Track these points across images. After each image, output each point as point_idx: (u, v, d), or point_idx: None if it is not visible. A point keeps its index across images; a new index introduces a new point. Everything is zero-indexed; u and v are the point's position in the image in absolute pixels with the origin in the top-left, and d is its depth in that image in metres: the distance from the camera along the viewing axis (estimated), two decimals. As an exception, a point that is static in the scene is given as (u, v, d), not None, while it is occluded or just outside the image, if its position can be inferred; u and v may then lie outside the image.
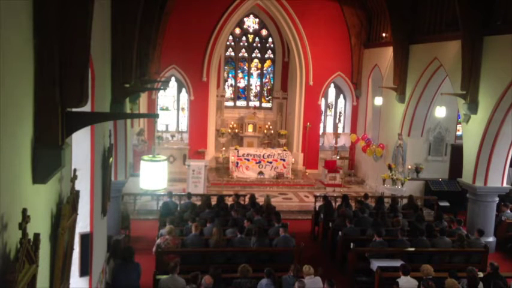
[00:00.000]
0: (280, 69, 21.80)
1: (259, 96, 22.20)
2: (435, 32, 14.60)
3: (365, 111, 19.88)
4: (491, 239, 12.34)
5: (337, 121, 21.26)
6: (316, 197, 14.86)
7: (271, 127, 21.30)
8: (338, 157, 19.48)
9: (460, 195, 14.71)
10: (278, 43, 21.58)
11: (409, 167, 16.31)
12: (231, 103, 21.88)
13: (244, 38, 21.68)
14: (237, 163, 18.27)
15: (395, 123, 16.70)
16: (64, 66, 3.78)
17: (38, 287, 3.51)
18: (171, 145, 19.48)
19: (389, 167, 16.00)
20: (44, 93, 3.66)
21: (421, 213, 12.62)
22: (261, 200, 13.38)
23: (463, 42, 12.14)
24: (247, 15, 21.26)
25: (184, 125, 20.52)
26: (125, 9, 8.19)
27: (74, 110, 4.12)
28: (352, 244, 10.05)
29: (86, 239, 6.42)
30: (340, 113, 21.51)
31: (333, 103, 21.53)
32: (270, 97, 22.16)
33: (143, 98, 17.13)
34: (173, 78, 19.91)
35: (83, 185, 6.23)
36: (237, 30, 21.45)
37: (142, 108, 17.32)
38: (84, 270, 6.45)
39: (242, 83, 22.07)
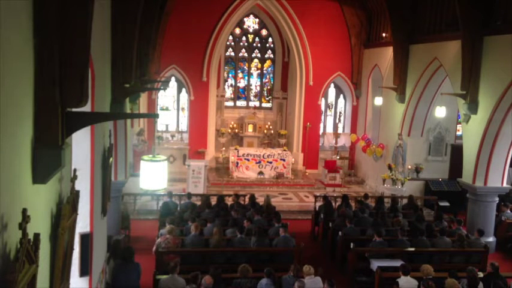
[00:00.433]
0: (280, 69, 21.80)
1: (259, 96, 22.20)
2: (435, 32, 14.59)
3: (365, 111, 19.87)
4: (491, 239, 12.34)
5: (337, 121, 21.25)
6: (316, 197, 14.85)
7: (271, 127, 21.30)
8: (338, 157, 19.48)
9: (460, 195, 14.70)
10: (278, 43, 21.58)
11: (409, 167, 16.30)
12: (231, 103, 21.88)
13: (244, 38, 21.68)
14: (237, 163, 18.27)
15: (395, 123, 16.69)
16: (64, 66, 3.78)
17: (38, 287, 3.51)
18: (171, 145, 19.47)
19: (389, 167, 16.00)
20: (44, 93, 3.66)
21: (421, 213, 12.61)
22: (261, 200, 13.38)
23: (463, 42, 12.14)
24: (247, 15, 21.26)
25: (184, 125, 20.51)
26: (125, 9, 8.19)
27: (74, 110, 4.12)
28: (352, 244, 10.05)
29: (86, 239, 6.42)
30: (340, 113, 21.50)
31: (333, 103, 21.52)
32: (270, 97, 22.16)
33: (143, 98, 17.13)
34: (173, 78, 19.90)
35: (83, 185, 6.23)
36: (237, 30, 21.44)
37: (142, 108, 17.32)
38: (84, 270, 6.45)
39: (242, 83, 22.07)
